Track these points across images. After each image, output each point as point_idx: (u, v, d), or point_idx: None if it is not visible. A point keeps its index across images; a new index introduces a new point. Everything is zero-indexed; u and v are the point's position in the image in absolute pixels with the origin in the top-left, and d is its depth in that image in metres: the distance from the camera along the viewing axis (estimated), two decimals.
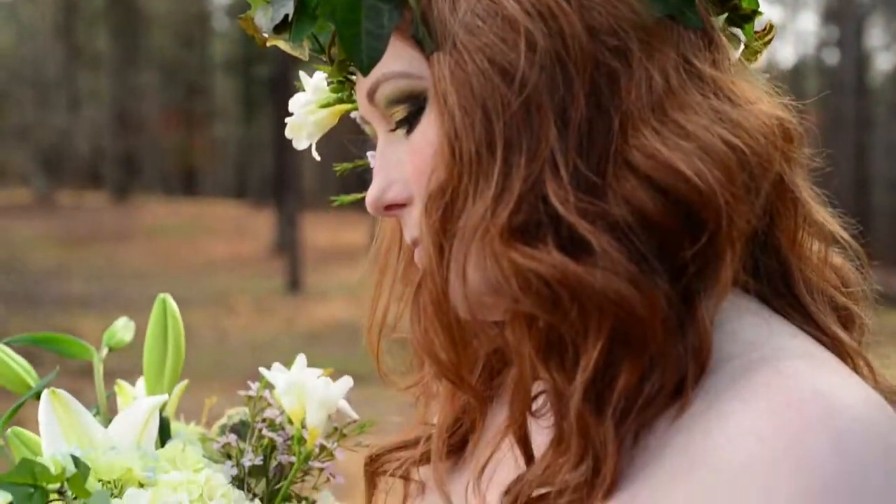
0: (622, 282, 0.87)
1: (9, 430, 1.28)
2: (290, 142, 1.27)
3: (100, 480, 1.17)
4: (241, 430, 1.31)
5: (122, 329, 1.37)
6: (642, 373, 0.90)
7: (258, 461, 1.27)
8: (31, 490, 1.10)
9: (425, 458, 1.12)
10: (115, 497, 1.15)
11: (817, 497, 0.79)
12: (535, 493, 0.92)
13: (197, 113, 37.62)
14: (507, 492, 0.95)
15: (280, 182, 17.25)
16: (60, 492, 1.11)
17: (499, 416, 1.09)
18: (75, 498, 1.12)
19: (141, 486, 1.17)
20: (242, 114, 36.22)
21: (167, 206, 23.89)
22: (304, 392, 1.23)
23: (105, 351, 1.36)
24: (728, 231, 0.90)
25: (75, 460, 1.14)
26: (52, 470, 1.16)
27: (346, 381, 1.24)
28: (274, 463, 1.28)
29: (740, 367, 0.89)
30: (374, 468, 1.16)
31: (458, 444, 1.12)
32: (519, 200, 0.90)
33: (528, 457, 0.95)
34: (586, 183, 0.89)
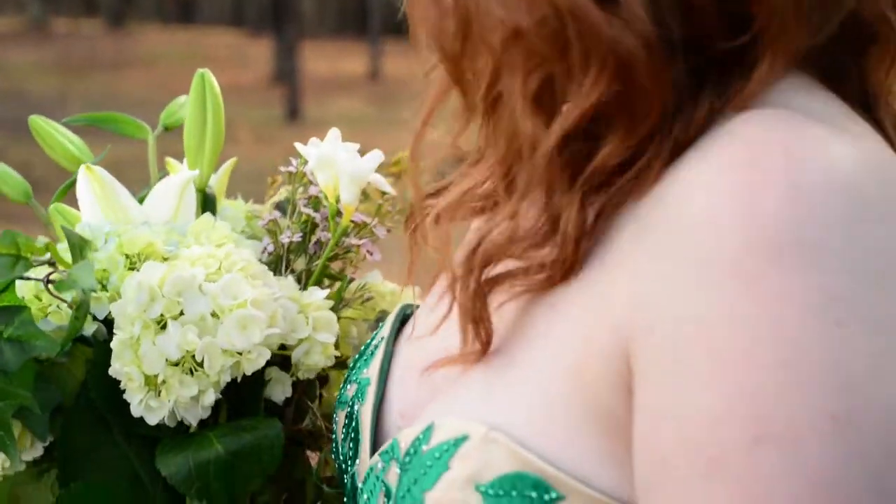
0: (636, 40, 0.82)
1: (51, 205, 1.29)
2: None
3: (125, 255, 1.17)
4: (285, 207, 1.31)
5: (180, 108, 1.36)
6: (623, 155, 0.85)
7: (297, 238, 1.28)
8: (15, 259, 1.11)
9: (458, 209, 1.09)
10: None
11: (767, 254, 0.76)
12: (492, 270, 0.91)
13: None
14: (463, 261, 0.93)
15: (278, 9, 16.97)
16: (51, 262, 1.11)
17: None
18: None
19: (165, 259, 1.17)
20: None
21: (163, 33, 23.48)
22: (335, 166, 1.23)
23: (160, 130, 1.36)
24: (773, 41, 0.85)
25: (82, 236, 1.14)
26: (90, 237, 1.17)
27: (376, 155, 1.24)
28: (313, 239, 1.28)
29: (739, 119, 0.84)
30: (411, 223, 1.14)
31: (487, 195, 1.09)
32: None
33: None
34: None
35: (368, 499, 0.97)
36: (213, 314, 1.12)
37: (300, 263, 1.28)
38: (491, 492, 0.86)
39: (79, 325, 1.09)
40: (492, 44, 0.88)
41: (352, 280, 1.30)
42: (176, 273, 1.12)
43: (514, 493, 0.85)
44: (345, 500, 1.07)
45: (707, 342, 0.77)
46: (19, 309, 1.10)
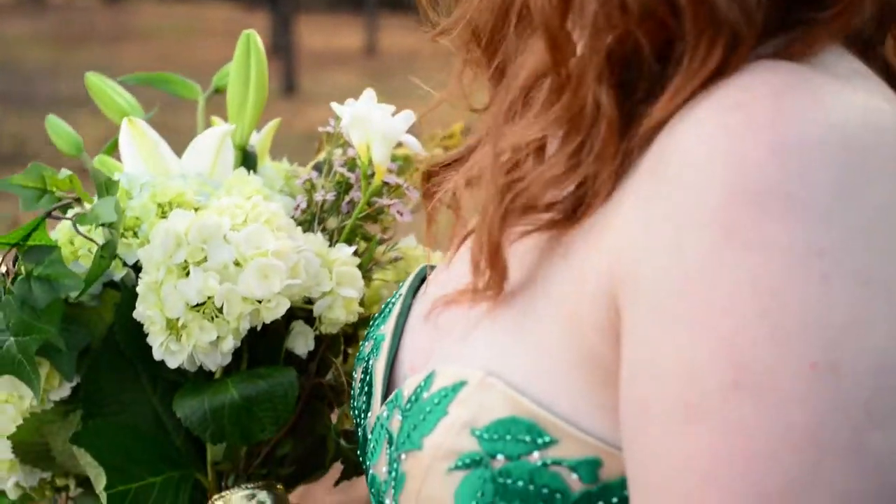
0: (742, 15, 0.81)
1: (96, 157, 1.33)
2: None
3: (157, 203, 1.20)
4: (322, 166, 1.33)
5: None
6: (672, 113, 0.82)
7: (330, 197, 1.29)
8: (40, 193, 1.13)
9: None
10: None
11: (751, 203, 0.74)
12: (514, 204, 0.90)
13: None
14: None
15: None
16: (77, 199, 1.13)
17: None
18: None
19: (195, 209, 1.20)
20: None
21: (160, 7, 23.36)
22: (368, 125, 1.24)
23: (211, 91, 1.39)
24: (846, 11, 0.84)
25: (109, 179, 1.16)
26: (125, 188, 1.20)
27: (408, 115, 1.24)
28: (346, 199, 1.30)
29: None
30: (428, 188, 1.15)
31: None
32: None
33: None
34: None
35: (375, 448, 0.98)
36: (236, 262, 1.14)
37: (332, 222, 1.30)
38: (486, 436, 0.86)
39: (105, 264, 1.12)
40: (596, 19, 0.86)
41: (382, 241, 1.31)
42: (202, 221, 1.15)
43: (508, 437, 0.86)
44: (358, 452, 1.08)
45: (688, 291, 0.76)
46: (49, 249, 1.13)
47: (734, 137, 0.76)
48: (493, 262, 0.91)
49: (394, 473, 0.93)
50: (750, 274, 0.74)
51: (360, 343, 1.15)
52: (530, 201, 0.90)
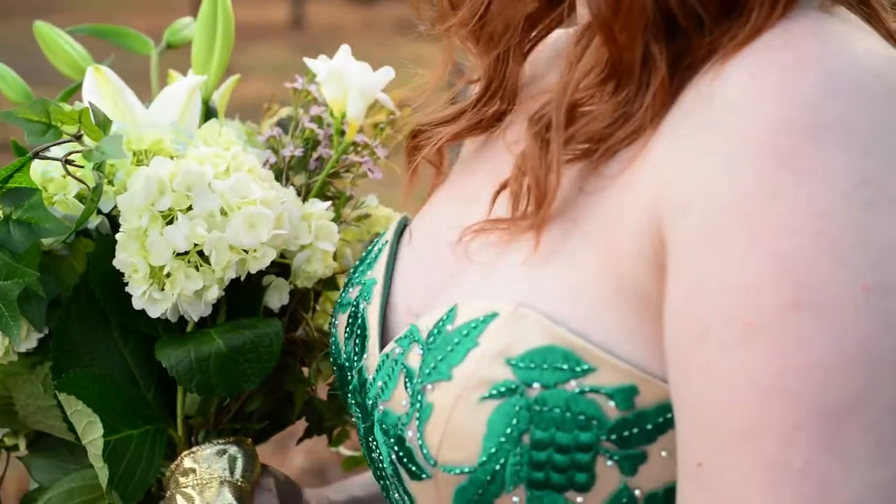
0: None
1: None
2: None
3: (132, 151, 1.18)
4: (286, 124, 1.32)
5: (185, 27, 1.37)
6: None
7: (298, 153, 1.29)
8: (45, 127, 1.09)
9: (464, 133, 1.13)
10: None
11: (803, 133, 0.80)
12: (575, 98, 0.93)
13: None
14: (545, 106, 0.96)
15: None
16: (78, 136, 1.10)
17: (542, 81, 1.11)
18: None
19: (172, 158, 1.17)
20: None
21: None
22: (345, 80, 1.24)
23: (163, 46, 1.36)
24: None
25: (106, 117, 1.12)
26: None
27: (387, 71, 1.25)
28: (314, 156, 1.29)
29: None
30: (414, 143, 1.17)
31: (490, 117, 1.12)
32: None
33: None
34: None
35: (385, 384, 0.98)
36: (222, 211, 1.13)
37: (300, 179, 1.29)
38: (521, 365, 0.88)
39: (93, 208, 1.09)
40: None
41: (350, 198, 1.31)
42: (186, 168, 1.13)
43: (544, 365, 0.88)
44: (348, 397, 1.08)
45: (743, 214, 0.80)
46: (31, 192, 1.09)
47: (785, 72, 0.82)
48: (544, 190, 0.93)
49: (417, 405, 0.93)
50: (805, 198, 0.79)
51: (342, 291, 1.15)
52: (583, 140, 0.93)
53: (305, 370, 1.26)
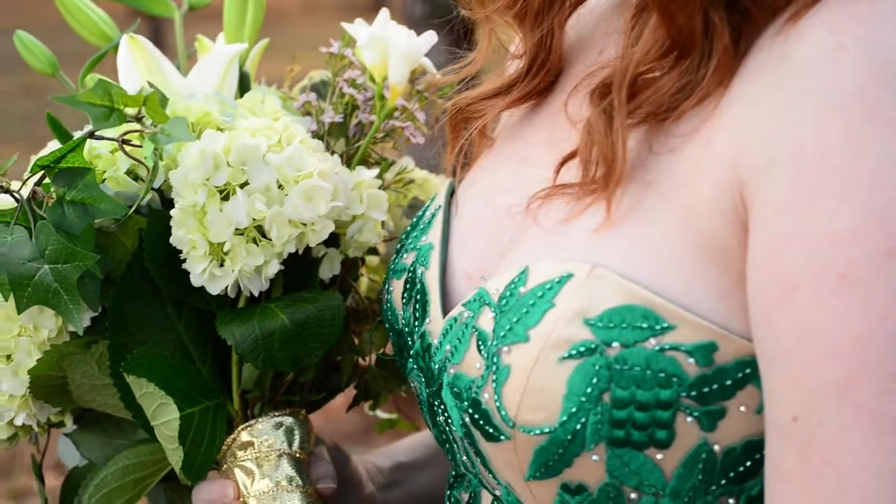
0: None
1: (85, 78, 1.25)
2: None
3: None
4: (321, 89, 1.30)
5: None
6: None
7: (338, 119, 1.27)
8: (109, 111, 1.07)
9: (517, 102, 1.13)
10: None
11: (886, 86, 0.81)
12: (637, 72, 0.93)
13: None
14: (607, 78, 0.96)
15: None
16: (138, 118, 1.08)
17: (589, 46, 1.11)
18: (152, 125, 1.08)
19: (220, 130, 1.15)
20: None
21: None
22: (387, 45, 1.22)
23: (185, 9, 1.33)
24: None
25: (163, 95, 1.10)
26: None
27: (430, 36, 1.23)
28: (354, 121, 1.28)
29: None
30: (459, 118, 1.17)
31: (541, 87, 1.13)
32: None
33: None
34: None
35: (455, 347, 0.98)
36: (278, 184, 1.11)
37: (340, 146, 1.28)
38: (600, 324, 0.89)
39: (150, 186, 1.07)
40: None
41: (392, 163, 1.30)
42: (240, 141, 1.11)
43: (623, 324, 0.89)
44: (409, 362, 1.07)
45: (833, 167, 0.81)
46: (84, 171, 1.07)
47: (865, 25, 0.83)
48: (612, 159, 0.93)
49: (493, 367, 0.94)
50: (893, 150, 0.80)
51: (394, 257, 1.15)
52: (649, 111, 0.93)
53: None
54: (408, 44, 1.22)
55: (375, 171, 1.22)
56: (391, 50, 1.22)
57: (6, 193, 1.10)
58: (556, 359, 0.90)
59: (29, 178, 1.09)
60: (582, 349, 0.89)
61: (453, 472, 1.13)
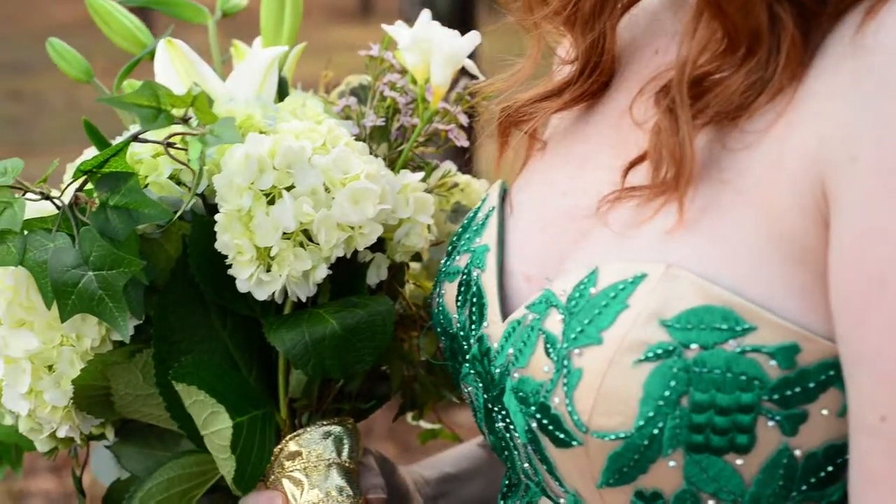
0: None
1: (122, 84, 1.23)
2: None
3: None
4: (360, 93, 1.28)
5: None
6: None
7: (380, 122, 1.25)
8: (156, 112, 1.04)
9: (570, 104, 1.11)
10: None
11: None
12: (700, 72, 0.91)
13: None
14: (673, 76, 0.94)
15: None
16: (185, 119, 1.05)
17: (645, 47, 1.09)
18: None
19: (263, 133, 1.13)
20: None
21: None
22: (430, 47, 1.20)
23: (219, 15, 1.31)
24: None
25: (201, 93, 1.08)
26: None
27: (474, 36, 1.21)
28: (396, 125, 1.26)
29: None
30: (509, 122, 1.15)
31: (594, 89, 1.11)
32: None
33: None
34: None
35: (520, 351, 0.95)
36: (325, 188, 1.09)
37: (382, 150, 1.25)
38: (678, 325, 0.86)
39: (196, 191, 1.05)
40: None
41: (436, 166, 1.28)
42: (286, 144, 1.08)
43: (702, 325, 0.86)
44: (465, 367, 1.05)
45: None
46: (127, 176, 1.05)
47: None
48: (680, 159, 0.91)
49: (564, 371, 0.91)
50: None
51: (445, 259, 1.13)
52: (719, 110, 0.91)
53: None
54: (451, 45, 1.19)
55: (420, 174, 1.19)
56: (434, 51, 1.20)
57: (46, 199, 1.07)
58: (631, 361, 0.87)
59: (70, 183, 1.07)
60: (659, 351, 0.87)
61: (506, 481, 1.10)
